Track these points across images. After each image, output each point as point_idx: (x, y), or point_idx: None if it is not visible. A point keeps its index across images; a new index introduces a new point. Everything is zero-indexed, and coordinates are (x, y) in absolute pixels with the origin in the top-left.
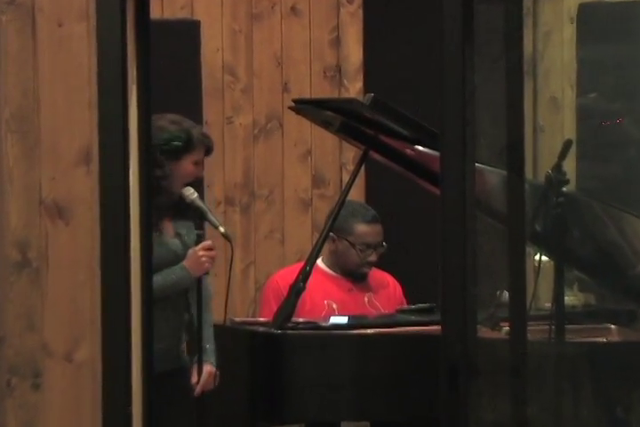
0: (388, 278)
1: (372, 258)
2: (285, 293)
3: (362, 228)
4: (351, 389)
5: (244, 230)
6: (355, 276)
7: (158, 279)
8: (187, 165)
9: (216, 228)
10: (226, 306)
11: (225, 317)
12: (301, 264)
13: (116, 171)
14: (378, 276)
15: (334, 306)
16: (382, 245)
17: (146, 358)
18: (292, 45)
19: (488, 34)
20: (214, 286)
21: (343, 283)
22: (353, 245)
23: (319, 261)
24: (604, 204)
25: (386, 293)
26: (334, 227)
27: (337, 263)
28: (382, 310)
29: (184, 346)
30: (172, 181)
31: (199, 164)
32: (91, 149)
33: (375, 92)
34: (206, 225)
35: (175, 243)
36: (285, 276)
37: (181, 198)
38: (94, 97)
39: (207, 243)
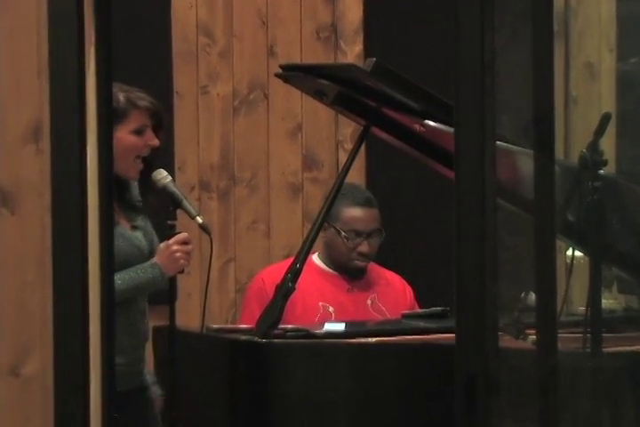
0: (394, 279)
1: (364, 248)
2: (271, 295)
3: (351, 212)
4: (348, 407)
5: (222, 221)
6: (347, 271)
7: (125, 278)
8: (123, 137)
9: (193, 218)
10: (204, 310)
11: (202, 323)
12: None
13: (70, 150)
14: (383, 275)
15: (330, 309)
16: (379, 234)
17: (106, 373)
18: (278, 1)
19: None
20: (186, 286)
21: (341, 282)
22: (339, 232)
23: (313, 257)
24: None
25: (394, 295)
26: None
27: (329, 257)
28: (388, 315)
29: (145, 364)
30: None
31: (144, 132)
32: (40, 124)
33: (377, 56)
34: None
35: (136, 236)
36: (273, 274)
37: (130, 182)
38: (44, 62)
39: (182, 236)
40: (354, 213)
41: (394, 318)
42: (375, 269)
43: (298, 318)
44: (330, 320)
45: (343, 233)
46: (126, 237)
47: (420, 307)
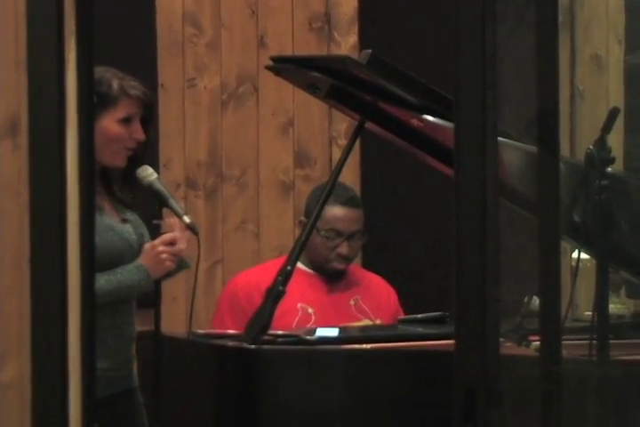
0: (377, 281)
1: (343, 250)
2: (245, 300)
3: (332, 210)
4: (342, 417)
5: (209, 220)
6: (325, 272)
7: (110, 280)
8: (108, 125)
9: (180, 217)
10: (190, 315)
11: (189, 328)
12: (273, 263)
13: (49, 146)
14: (366, 276)
15: (310, 310)
16: (361, 236)
17: (86, 380)
18: None
19: None
20: (172, 289)
21: (322, 283)
22: (318, 231)
23: None
24: None
25: (377, 296)
26: (306, 210)
27: (308, 257)
28: (372, 317)
29: (134, 365)
30: (97, 147)
31: (131, 122)
32: (18, 118)
33: (373, 47)
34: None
35: (126, 229)
36: (248, 278)
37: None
38: (22, 53)
39: (168, 236)
40: (336, 212)
41: (388, 323)
42: (356, 271)
43: (275, 320)
44: (310, 321)
45: (322, 232)
46: (116, 231)
47: (405, 312)
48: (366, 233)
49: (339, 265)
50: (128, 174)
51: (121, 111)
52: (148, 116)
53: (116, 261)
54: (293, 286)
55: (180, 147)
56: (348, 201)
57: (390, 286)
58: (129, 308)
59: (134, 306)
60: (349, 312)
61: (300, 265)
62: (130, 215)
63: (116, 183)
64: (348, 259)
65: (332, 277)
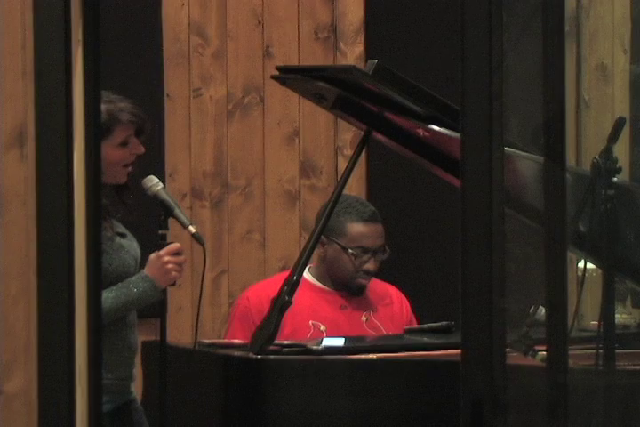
0: (390, 291)
1: (370, 266)
2: (257, 315)
3: (357, 227)
4: None
5: (215, 230)
6: (349, 289)
7: (117, 295)
8: (108, 151)
9: (185, 227)
10: (196, 324)
11: (195, 338)
12: (283, 275)
13: (56, 155)
14: (378, 288)
15: (322, 328)
16: (383, 251)
17: (93, 390)
18: None
19: None
20: (178, 299)
21: (334, 298)
22: (345, 249)
23: (305, 271)
24: None
25: (389, 310)
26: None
27: (327, 273)
28: (385, 332)
29: (136, 375)
30: None
31: (128, 143)
32: (25, 127)
33: (379, 57)
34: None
35: (130, 245)
36: (259, 292)
37: (120, 188)
38: (29, 63)
39: (174, 246)
40: (361, 229)
41: (394, 333)
42: (371, 284)
43: (287, 338)
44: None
45: (350, 250)
46: (126, 249)
47: (418, 320)
48: (387, 247)
49: (364, 281)
50: (120, 189)
51: (117, 137)
52: (142, 129)
53: (124, 277)
54: (305, 302)
55: (186, 157)
56: (372, 217)
57: (402, 293)
58: (131, 317)
59: (135, 314)
60: (361, 328)
61: (312, 281)
62: (120, 228)
63: (105, 197)
64: (372, 274)
65: (355, 293)
